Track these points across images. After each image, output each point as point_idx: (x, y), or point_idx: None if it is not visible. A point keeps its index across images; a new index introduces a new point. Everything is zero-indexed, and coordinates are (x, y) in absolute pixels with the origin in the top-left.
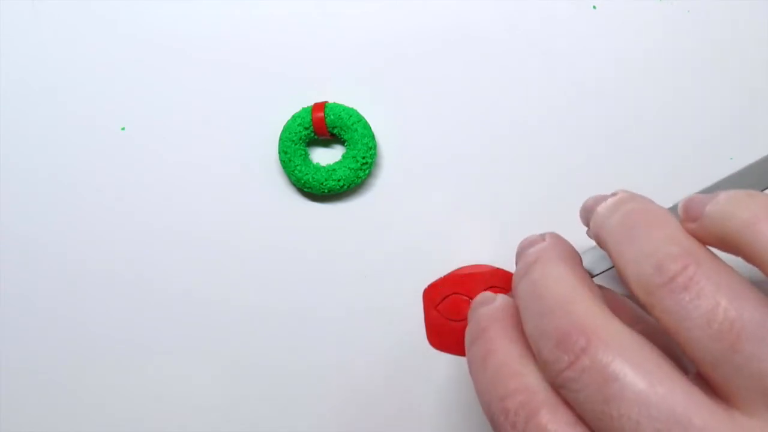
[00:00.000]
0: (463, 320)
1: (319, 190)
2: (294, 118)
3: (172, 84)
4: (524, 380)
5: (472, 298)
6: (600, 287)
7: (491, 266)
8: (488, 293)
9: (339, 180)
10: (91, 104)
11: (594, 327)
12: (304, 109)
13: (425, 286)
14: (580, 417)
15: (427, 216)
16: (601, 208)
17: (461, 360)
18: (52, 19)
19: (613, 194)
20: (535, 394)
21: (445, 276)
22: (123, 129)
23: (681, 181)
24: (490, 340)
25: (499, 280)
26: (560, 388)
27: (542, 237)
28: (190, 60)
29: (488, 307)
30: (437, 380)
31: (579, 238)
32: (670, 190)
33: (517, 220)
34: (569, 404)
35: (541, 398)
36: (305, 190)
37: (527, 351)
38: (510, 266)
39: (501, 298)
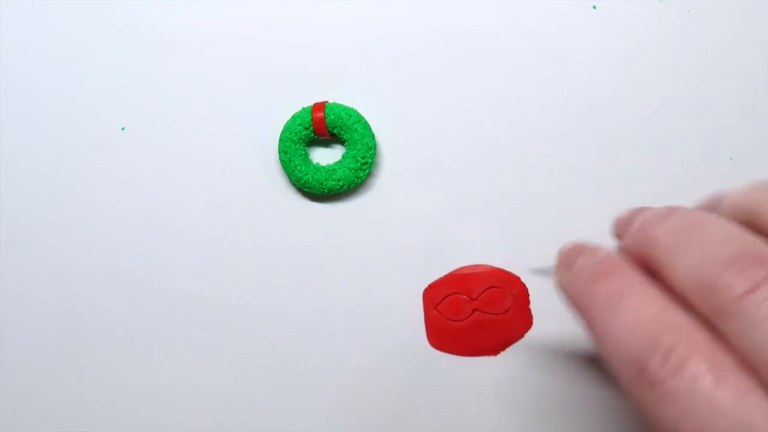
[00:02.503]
0: (463, 320)
1: (319, 190)
2: (294, 118)
3: (173, 84)
4: (676, 318)
5: (472, 298)
6: None
7: (491, 266)
8: (580, 244)
9: (339, 180)
10: (91, 104)
11: None
12: (304, 109)
13: (425, 286)
14: (744, 357)
15: (427, 216)
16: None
17: (461, 360)
18: (52, 18)
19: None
20: (693, 332)
21: (445, 276)
22: (123, 129)
23: (681, 180)
24: (622, 279)
25: (499, 280)
26: (730, 318)
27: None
28: (191, 61)
29: (605, 251)
30: (437, 380)
31: (579, 237)
32: (670, 190)
33: (517, 220)
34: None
35: (702, 337)
36: (305, 190)
37: (669, 295)
38: (509, 266)
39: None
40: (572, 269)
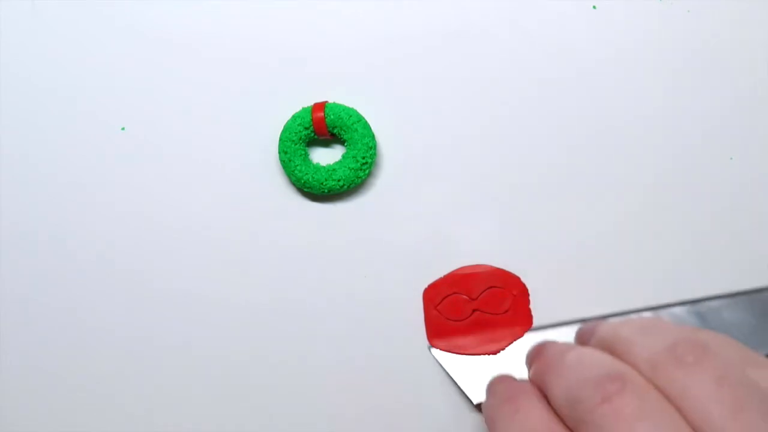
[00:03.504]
0: (463, 320)
1: (319, 190)
2: (294, 118)
3: (173, 84)
4: (553, 427)
5: (472, 298)
6: None
7: (491, 266)
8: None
9: (339, 180)
10: (91, 104)
11: (631, 376)
12: (304, 109)
13: (425, 286)
14: None
15: (426, 216)
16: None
17: (461, 358)
18: (52, 18)
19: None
20: None
21: (445, 276)
22: (123, 129)
23: (681, 180)
24: (520, 400)
25: (499, 280)
26: (585, 425)
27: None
28: (191, 61)
29: (514, 380)
30: (437, 380)
31: (578, 237)
32: (670, 190)
33: (517, 220)
34: None
35: None
36: (305, 190)
37: (555, 414)
38: (509, 266)
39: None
40: (492, 394)
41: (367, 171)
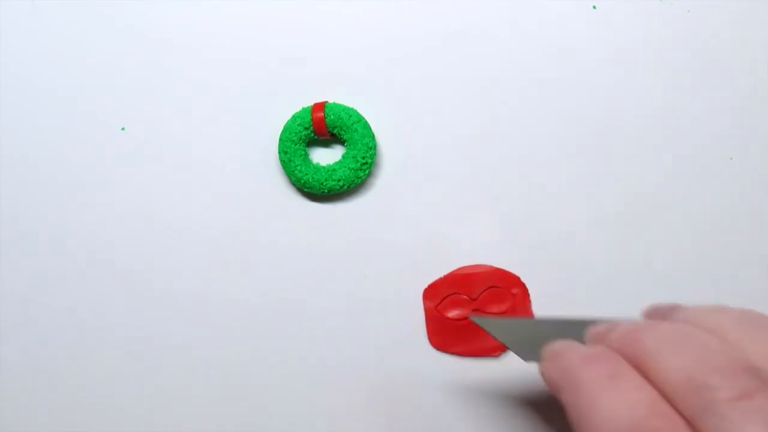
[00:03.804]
0: (463, 320)
1: (319, 190)
2: (294, 118)
3: (173, 85)
4: (665, 408)
5: (472, 298)
6: None
7: (491, 266)
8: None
9: (339, 180)
10: (91, 104)
11: (766, 374)
12: (304, 109)
13: (425, 286)
14: None
15: (426, 216)
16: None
17: (461, 360)
18: (52, 18)
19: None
20: (680, 425)
21: (445, 276)
22: (123, 129)
23: (681, 180)
24: (614, 364)
25: (499, 280)
26: (713, 417)
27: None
28: (191, 61)
29: (598, 345)
30: (437, 379)
31: (578, 237)
32: (670, 190)
33: (517, 220)
34: None
35: (682, 424)
36: (305, 190)
37: (657, 390)
38: (509, 266)
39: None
40: (563, 357)
41: (367, 171)
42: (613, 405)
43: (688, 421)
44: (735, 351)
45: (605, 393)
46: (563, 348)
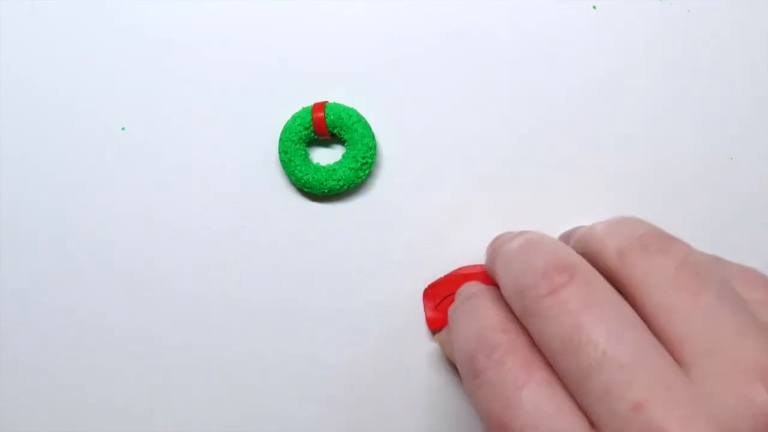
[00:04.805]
0: None
1: (319, 190)
2: (294, 118)
3: (173, 84)
4: (506, 325)
5: None
6: None
7: None
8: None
9: (339, 180)
10: (91, 104)
11: (580, 266)
12: (304, 109)
13: (425, 286)
14: (541, 349)
15: (427, 216)
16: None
17: None
18: (52, 18)
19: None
20: (517, 335)
21: (445, 276)
22: (123, 129)
23: (681, 180)
24: (477, 299)
25: None
26: (531, 317)
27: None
28: (191, 60)
29: (474, 284)
30: (438, 379)
31: None
32: (670, 190)
33: (517, 220)
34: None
35: (522, 339)
36: (305, 190)
37: (508, 307)
38: None
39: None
40: (456, 299)
41: (367, 171)
42: (467, 331)
43: (520, 320)
44: (560, 251)
45: (465, 323)
46: (457, 293)
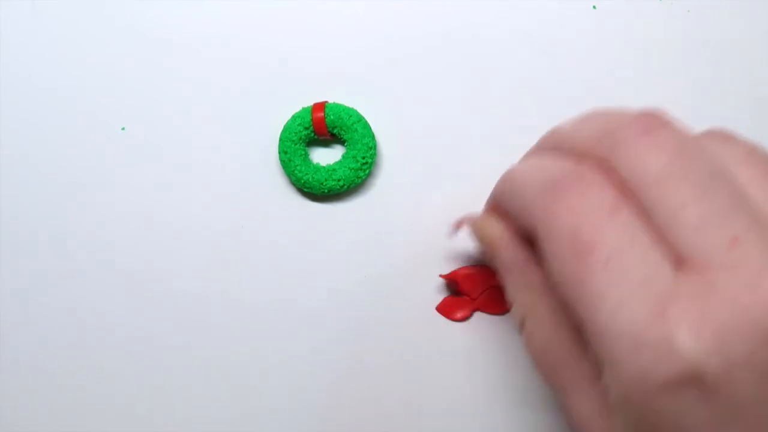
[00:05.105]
0: (464, 320)
1: (319, 190)
2: (294, 118)
3: (173, 84)
4: (577, 166)
5: (472, 298)
6: None
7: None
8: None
9: (339, 180)
10: (91, 104)
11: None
12: (304, 109)
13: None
14: (631, 185)
15: (427, 216)
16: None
17: (462, 359)
18: (52, 18)
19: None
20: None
21: (445, 276)
22: (123, 129)
23: None
24: (538, 148)
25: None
26: (625, 150)
27: None
28: (191, 61)
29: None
30: (438, 380)
31: None
32: None
33: None
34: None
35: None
36: (305, 190)
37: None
38: None
39: None
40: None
41: (367, 171)
42: (528, 170)
43: (603, 160)
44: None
45: (528, 167)
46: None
